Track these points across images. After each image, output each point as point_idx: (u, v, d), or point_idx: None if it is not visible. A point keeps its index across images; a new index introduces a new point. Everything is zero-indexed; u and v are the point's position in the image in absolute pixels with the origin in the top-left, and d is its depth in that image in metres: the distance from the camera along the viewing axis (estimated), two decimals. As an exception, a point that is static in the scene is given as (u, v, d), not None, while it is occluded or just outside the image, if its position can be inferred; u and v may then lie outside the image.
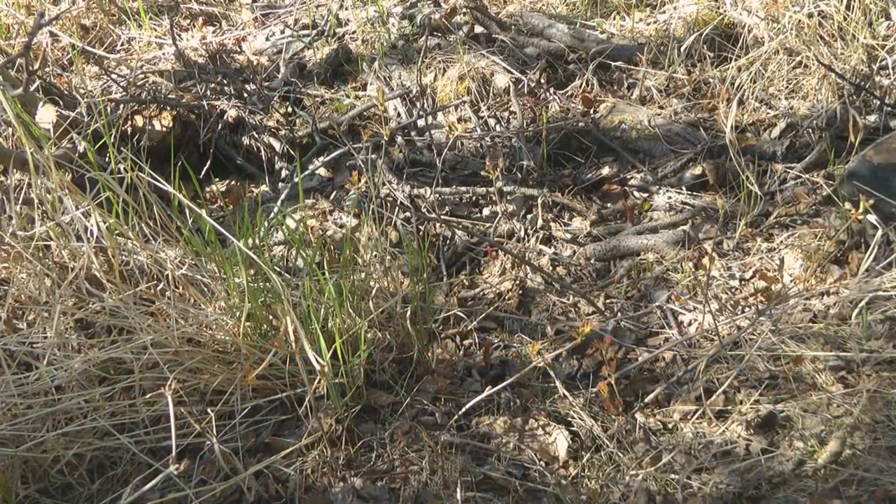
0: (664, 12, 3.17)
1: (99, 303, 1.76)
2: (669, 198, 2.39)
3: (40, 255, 1.84)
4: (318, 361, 1.58)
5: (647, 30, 3.09)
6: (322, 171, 2.59)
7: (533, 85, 2.78)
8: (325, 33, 3.19)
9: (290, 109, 2.83)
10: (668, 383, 1.81)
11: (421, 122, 2.68)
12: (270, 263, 1.81)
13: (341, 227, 2.35)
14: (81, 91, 2.73)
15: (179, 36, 3.20)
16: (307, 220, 2.36)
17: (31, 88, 2.37)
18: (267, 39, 3.26)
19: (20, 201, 1.97)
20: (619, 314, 2.03)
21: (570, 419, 1.76)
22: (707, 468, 1.63)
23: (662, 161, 2.51)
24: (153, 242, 1.93)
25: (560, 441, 1.70)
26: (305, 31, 3.24)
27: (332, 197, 2.50)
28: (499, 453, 1.68)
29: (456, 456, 1.66)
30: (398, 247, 2.24)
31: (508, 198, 2.38)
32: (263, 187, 2.59)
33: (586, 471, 1.65)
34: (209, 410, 1.63)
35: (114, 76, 2.81)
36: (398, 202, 2.37)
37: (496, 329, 2.03)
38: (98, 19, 3.33)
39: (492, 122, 2.68)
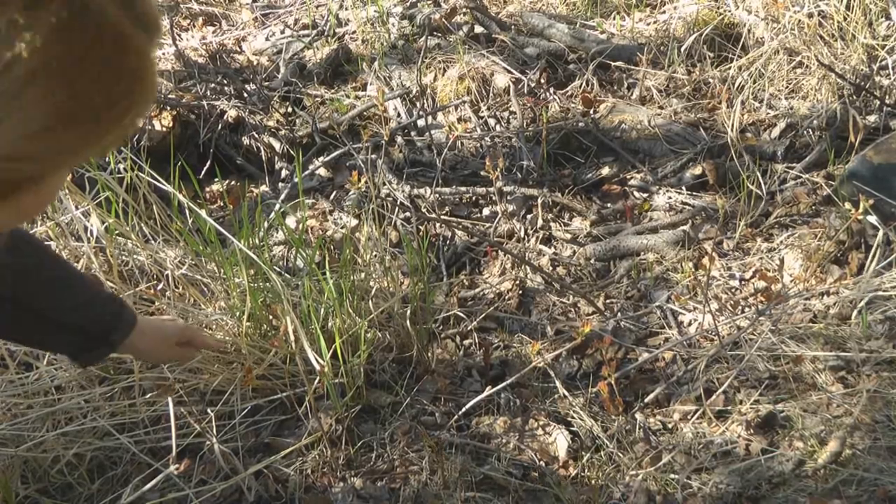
0: (664, 12, 3.17)
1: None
2: (669, 198, 2.39)
3: (40, 255, 1.84)
4: (318, 361, 1.58)
5: (647, 30, 3.09)
6: (322, 171, 2.59)
7: (533, 85, 2.78)
8: (325, 33, 3.19)
9: (290, 109, 2.84)
10: (668, 383, 1.81)
11: (421, 122, 2.68)
12: (270, 263, 1.81)
13: (341, 227, 2.35)
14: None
15: (179, 36, 3.20)
16: (307, 220, 2.36)
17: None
18: (267, 39, 3.27)
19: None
20: (619, 314, 2.03)
21: (570, 419, 1.76)
22: (707, 468, 1.63)
23: (662, 161, 2.51)
24: (153, 242, 1.93)
25: (560, 441, 1.70)
26: (305, 31, 3.24)
27: (332, 197, 2.50)
28: (499, 453, 1.68)
29: (456, 456, 1.66)
30: (398, 247, 2.24)
31: (508, 198, 2.38)
32: (263, 187, 2.59)
33: (586, 471, 1.65)
34: (209, 410, 1.64)
35: (114, 76, 2.80)
36: (398, 202, 2.37)
37: (496, 329, 2.03)
38: (98, 19, 3.33)
39: (492, 122, 2.68)
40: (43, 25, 0.55)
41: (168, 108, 2.64)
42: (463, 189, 2.44)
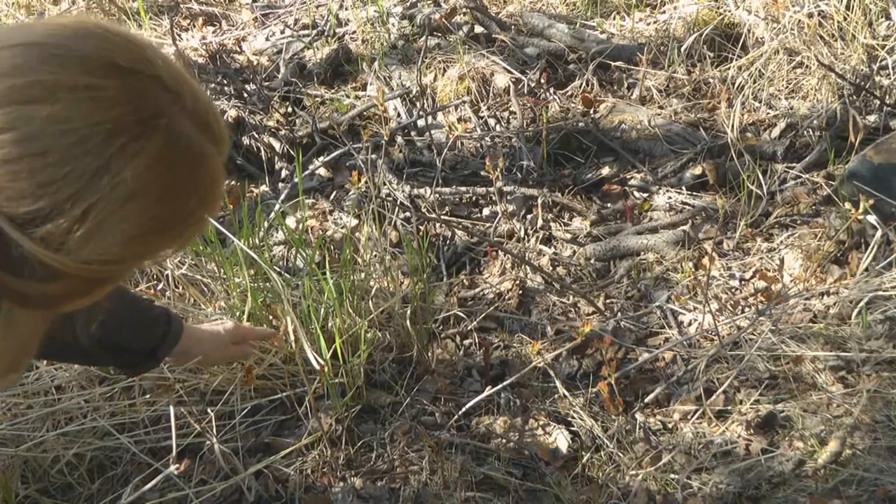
0: (664, 12, 3.17)
1: (99, 303, 1.76)
2: (669, 198, 2.39)
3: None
4: (318, 361, 1.58)
5: (647, 30, 3.09)
6: (322, 171, 2.59)
7: (533, 85, 2.78)
8: (325, 33, 3.19)
9: (290, 109, 2.83)
10: (668, 383, 1.81)
11: (421, 122, 2.68)
12: (270, 263, 1.81)
13: (341, 227, 2.35)
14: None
15: (179, 36, 3.20)
16: (307, 220, 2.36)
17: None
18: (267, 39, 3.26)
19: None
20: (619, 314, 2.03)
21: (570, 419, 1.76)
22: (707, 468, 1.63)
23: (662, 161, 2.51)
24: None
25: (560, 441, 1.70)
26: (305, 31, 3.24)
27: (332, 197, 2.50)
28: (499, 453, 1.68)
29: (456, 456, 1.66)
30: (398, 247, 2.24)
31: (508, 198, 2.38)
32: (263, 187, 2.59)
33: (586, 471, 1.65)
34: (209, 410, 1.64)
35: (114, 76, 2.80)
36: (398, 202, 2.37)
37: (496, 329, 2.03)
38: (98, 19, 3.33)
39: (492, 122, 2.68)
40: (146, 153, 0.65)
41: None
42: (463, 189, 2.44)
